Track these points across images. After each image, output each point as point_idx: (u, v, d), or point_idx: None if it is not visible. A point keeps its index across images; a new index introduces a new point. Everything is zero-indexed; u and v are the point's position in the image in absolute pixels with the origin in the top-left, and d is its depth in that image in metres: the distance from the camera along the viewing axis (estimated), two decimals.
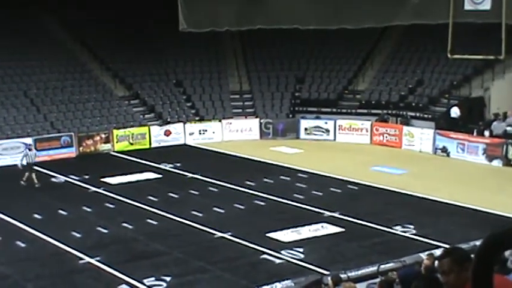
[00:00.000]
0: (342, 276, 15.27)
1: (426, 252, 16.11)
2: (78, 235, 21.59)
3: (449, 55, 32.16)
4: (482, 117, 34.20)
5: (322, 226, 22.08)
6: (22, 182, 27.51)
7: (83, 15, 40.03)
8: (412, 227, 21.74)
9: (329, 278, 14.65)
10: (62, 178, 28.93)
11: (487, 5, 28.99)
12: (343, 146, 34.81)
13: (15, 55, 37.86)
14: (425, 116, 35.38)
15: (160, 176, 29.54)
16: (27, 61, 38.04)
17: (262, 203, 25.02)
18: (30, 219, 23.19)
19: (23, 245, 20.87)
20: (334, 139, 36.18)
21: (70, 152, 33.23)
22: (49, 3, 40.66)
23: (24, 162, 27.68)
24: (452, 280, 4.17)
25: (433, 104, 36.10)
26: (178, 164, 31.21)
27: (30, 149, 28.72)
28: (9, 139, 32.23)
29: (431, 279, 4.69)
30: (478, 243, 3.61)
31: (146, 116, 37.79)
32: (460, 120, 33.38)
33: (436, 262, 5.04)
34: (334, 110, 38.14)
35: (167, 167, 30.97)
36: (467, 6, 29.45)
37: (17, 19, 38.74)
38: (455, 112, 33.64)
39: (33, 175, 27.62)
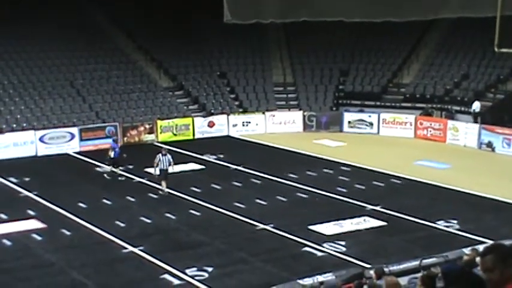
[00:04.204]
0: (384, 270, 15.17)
1: (469, 248, 15.95)
2: (122, 224, 21.87)
3: (496, 49, 31.60)
4: None
5: (364, 220, 22.01)
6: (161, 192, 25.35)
7: (129, 7, 40.37)
8: (455, 222, 21.56)
9: (371, 272, 14.60)
10: (107, 168, 29.27)
11: None
12: (386, 140, 34.61)
13: (62, 46, 38.33)
14: (471, 110, 34.93)
15: (203, 167, 29.72)
16: (74, 51, 38.50)
17: (304, 196, 25.03)
18: (75, 208, 23.55)
19: (68, 233, 21.21)
20: (378, 132, 35.99)
21: None
22: None
23: (158, 171, 25.36)
24: (496, 277, 4.15)
25: (479, 99, 35.60)
26: (222, 156, 31.36)
27: (164, 154, 25.52)
28: (55, 128, 32.71)
29: (474, 279, 4.61)
30: None
31: (190, 107, 38.01)
32: (480, 113, 33.34)
33: (478, 259, 4.99)
34: (378, 103, 37.91)
35: (210, 158, 31.14)
36: None
37: (64, 11, 39.20)
38: (477, 106, 33.71)
39: (164, 183, 25.32)
